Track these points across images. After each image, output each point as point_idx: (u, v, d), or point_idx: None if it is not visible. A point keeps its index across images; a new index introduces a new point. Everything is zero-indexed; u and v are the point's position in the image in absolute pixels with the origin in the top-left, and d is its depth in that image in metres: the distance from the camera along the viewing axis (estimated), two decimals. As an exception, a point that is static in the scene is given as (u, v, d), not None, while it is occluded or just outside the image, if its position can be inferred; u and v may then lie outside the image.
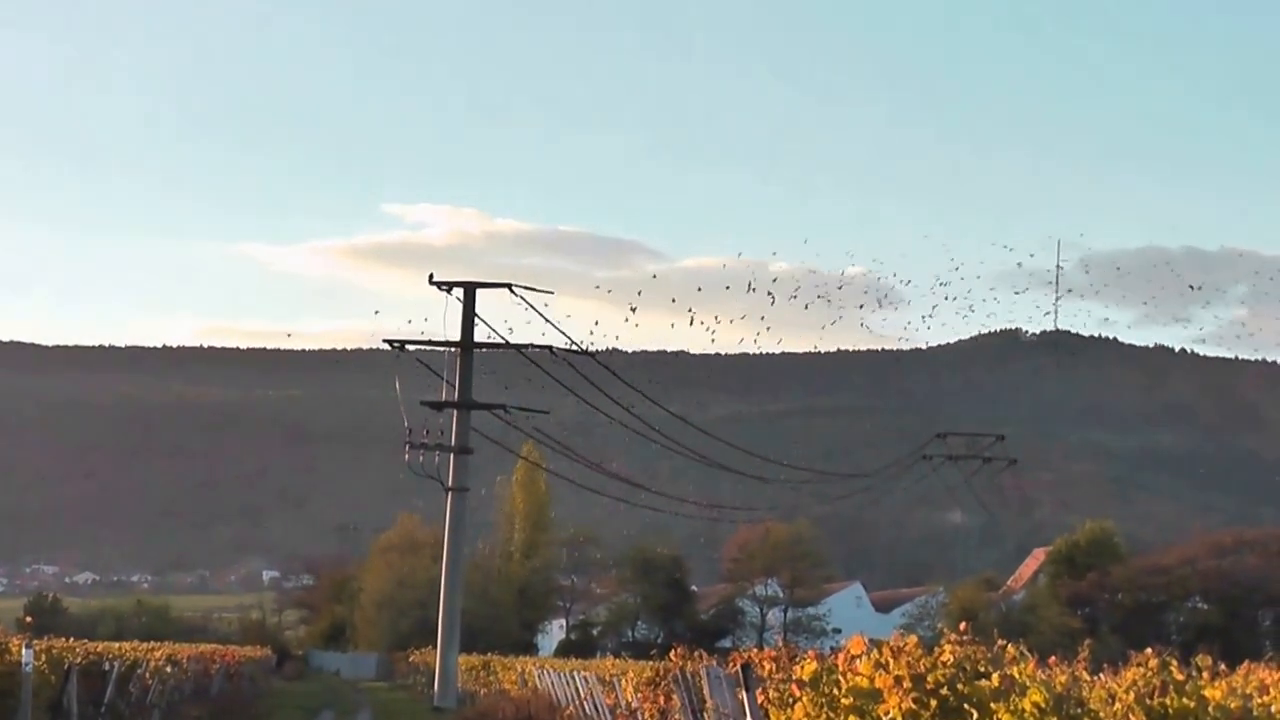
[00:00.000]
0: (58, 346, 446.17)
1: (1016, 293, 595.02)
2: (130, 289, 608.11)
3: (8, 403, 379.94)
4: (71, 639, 42.06)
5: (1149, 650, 11.80)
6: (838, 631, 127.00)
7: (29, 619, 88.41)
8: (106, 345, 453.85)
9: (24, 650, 28.35)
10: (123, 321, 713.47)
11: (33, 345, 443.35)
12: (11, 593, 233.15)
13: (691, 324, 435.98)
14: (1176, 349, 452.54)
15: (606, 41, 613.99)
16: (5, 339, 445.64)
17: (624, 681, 41.17)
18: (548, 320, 42.14)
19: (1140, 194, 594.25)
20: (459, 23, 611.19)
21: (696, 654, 33.99)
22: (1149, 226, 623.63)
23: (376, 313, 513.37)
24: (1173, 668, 11.01)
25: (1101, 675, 13.34)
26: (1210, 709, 10.25)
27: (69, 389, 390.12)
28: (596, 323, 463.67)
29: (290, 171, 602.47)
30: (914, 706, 13.06)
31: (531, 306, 41.91)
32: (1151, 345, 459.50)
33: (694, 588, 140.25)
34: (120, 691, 39.02)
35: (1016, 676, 12.23)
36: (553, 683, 54.95)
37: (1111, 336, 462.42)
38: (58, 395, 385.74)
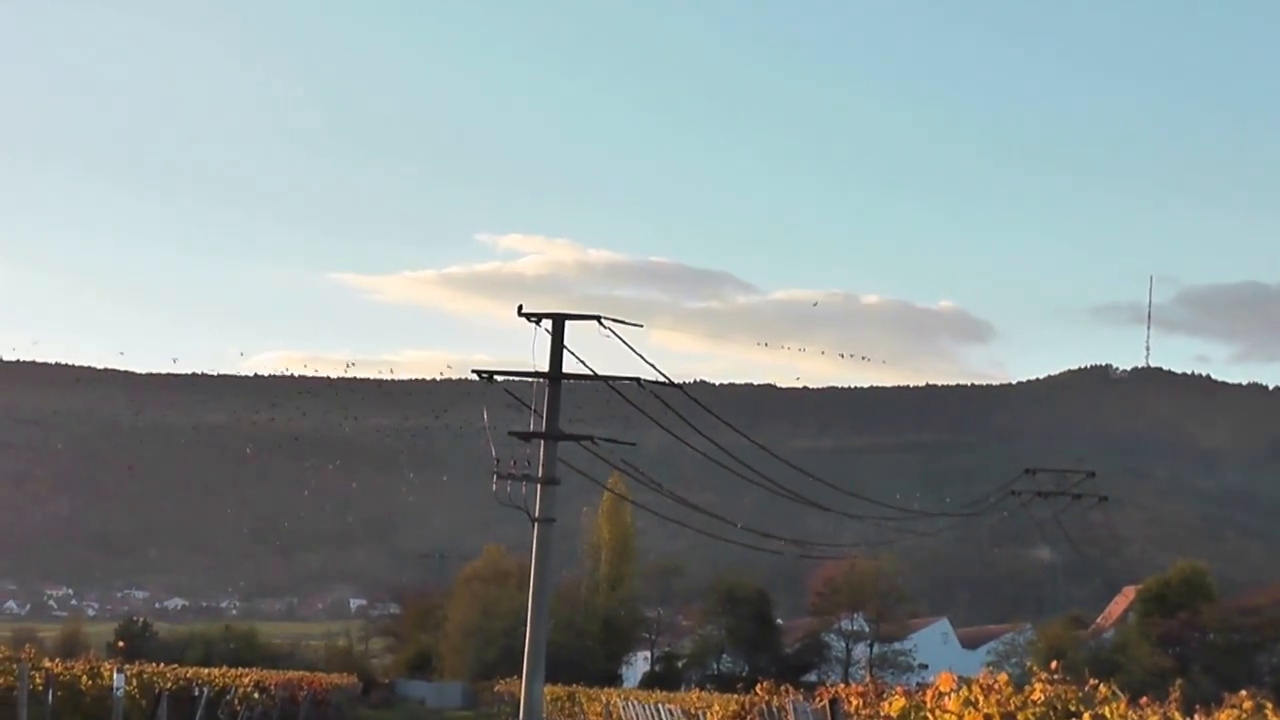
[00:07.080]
0: (150, 374, 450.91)
1: (1109, 328, 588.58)
2: (223, 318, 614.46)
3: (100, 430, 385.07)
4: (162, 664, 42.46)
5: (1243, 692, 11.67)
6: (924, 667, 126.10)
7: (120, 644, 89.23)
8: (198, 373, 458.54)
9: (115, 675, 28.71)
10: (215, 350, 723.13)
11: (125, 373, 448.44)
12: (103, 617, 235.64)
13: (780, 356, 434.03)
14: (1271, 386, 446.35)
15: (696, 73, 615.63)
16: (99, 366, 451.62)
17: (709, 715, 41.13)
18: (636, 353, 42.07)
19: (1239, 228, 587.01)
20: (551, 55, 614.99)
21: (783, 688, 33.91)
22: (1248, 261, 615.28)
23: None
24: (1268, 710, 10.89)
25: (1195, 716, 13.19)
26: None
27: (161, 416, 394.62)
28: (685, 354, 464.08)
29: (383, 201, 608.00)
30: (1003, 745, 12.95)
31: (620, 339, 41.93)
32: (1246, 383, 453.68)
33: (779, 621, 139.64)
34: (209, 716, 39.40)
35: (1108, 716, 12.12)
36: (637, 715, 54.89)
37: (1205, 374, 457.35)
38: (149, 423, 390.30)
